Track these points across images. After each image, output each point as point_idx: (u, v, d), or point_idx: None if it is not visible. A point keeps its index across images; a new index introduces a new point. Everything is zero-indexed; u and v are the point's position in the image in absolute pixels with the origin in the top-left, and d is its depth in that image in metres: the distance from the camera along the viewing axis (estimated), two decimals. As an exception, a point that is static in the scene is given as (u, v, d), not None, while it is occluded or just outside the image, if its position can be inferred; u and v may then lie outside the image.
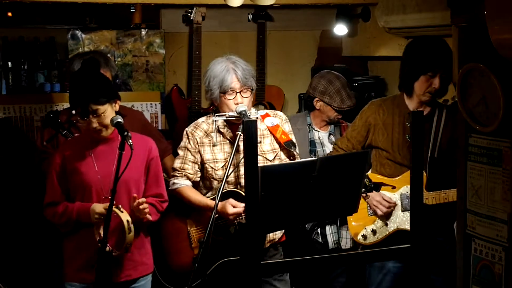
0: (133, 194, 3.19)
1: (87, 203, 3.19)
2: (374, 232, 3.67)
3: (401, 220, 3.60)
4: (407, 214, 3.55)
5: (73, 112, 3.19)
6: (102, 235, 3.04)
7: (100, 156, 3.25)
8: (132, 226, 3.10)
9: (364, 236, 3.69)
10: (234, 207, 3.30)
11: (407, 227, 3.55)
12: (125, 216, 3.09)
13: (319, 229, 4.09)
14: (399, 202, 3.63)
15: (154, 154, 3.36)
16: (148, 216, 3.20)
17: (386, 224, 3.65)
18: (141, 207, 3.15)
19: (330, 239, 4.07)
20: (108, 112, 3.17)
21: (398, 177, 3.63)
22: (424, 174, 3.54)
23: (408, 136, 3.53)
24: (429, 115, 3.65)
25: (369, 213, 3.70)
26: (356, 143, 3.79)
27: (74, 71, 3.56)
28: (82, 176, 3.22)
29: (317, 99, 4.14)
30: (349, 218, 3.77)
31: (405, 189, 3.59)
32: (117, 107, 3.24)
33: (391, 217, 3.64)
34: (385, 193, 3.63)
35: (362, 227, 3.71)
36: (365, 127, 3.75)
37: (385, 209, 3.61)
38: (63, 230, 3.29)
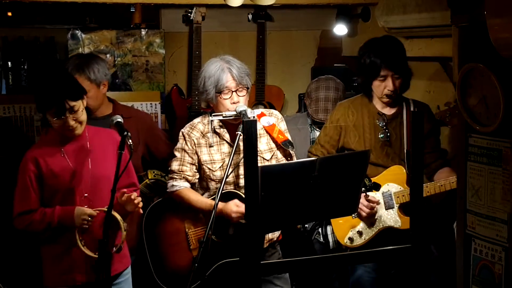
0: (122, 190, 3.18)
1: (69, 207, 3.15)
2: (360, 233, 3.65)
3: (386, 218, 3.59)
4: (391, 211, 3.56)
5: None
6: (80, 239, 3.11)
7: (72, 155, 3.21)
8: (125, 224, 3.14)
9: (351, 239, 3.67)
10: (238, 206, 3.29)
11: (392, 224, 3.57)
12: (119, 216, 3.11)
13: (320, 229, 4.08)
14: (382, 201, 3.61)
15: None
16: (140, 209, 3.20)
17: (372, 224, 3.62)
18: (136, 201, 3.15)
19: (331, 239, 4.06)
20: (82, 107, 3.15)
21: (377, 177, 3.60)
22: (404, 170, 3.54)
23: (381, 135, 3.54)
24: (397, 112, 3.65)
25: (353, 216, 3.66)
26: (330, 148, 3.76)
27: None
28: (61, 178, 3.17)
29: (305, 97, 4.29)
30: (333, 222, 3.74)
31: (386, 187, 3.58)
32: (85, 103, 3.21)
33: (376, 217, 3.62)
34: (368, 193, 3.60)
35: (348, 229, 3.68)
36: (336, 130, 3.72)
37: (368, 210, 3.58)
38: (43, 236, 3.24)
